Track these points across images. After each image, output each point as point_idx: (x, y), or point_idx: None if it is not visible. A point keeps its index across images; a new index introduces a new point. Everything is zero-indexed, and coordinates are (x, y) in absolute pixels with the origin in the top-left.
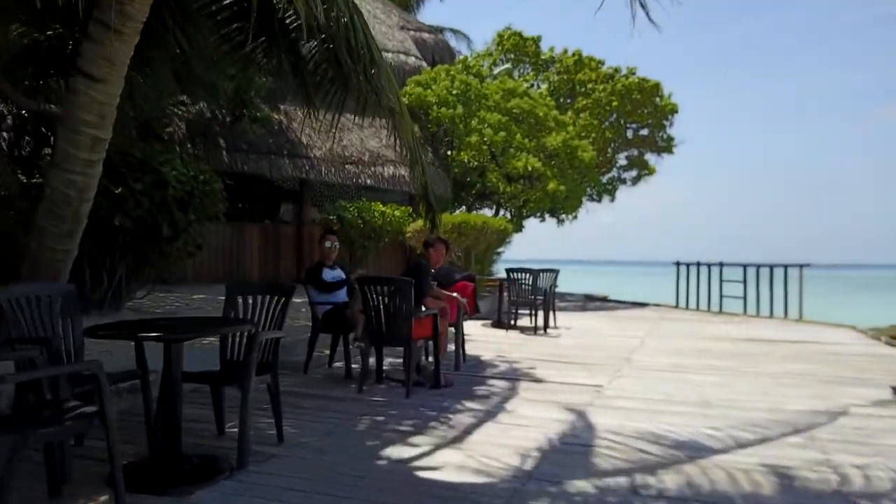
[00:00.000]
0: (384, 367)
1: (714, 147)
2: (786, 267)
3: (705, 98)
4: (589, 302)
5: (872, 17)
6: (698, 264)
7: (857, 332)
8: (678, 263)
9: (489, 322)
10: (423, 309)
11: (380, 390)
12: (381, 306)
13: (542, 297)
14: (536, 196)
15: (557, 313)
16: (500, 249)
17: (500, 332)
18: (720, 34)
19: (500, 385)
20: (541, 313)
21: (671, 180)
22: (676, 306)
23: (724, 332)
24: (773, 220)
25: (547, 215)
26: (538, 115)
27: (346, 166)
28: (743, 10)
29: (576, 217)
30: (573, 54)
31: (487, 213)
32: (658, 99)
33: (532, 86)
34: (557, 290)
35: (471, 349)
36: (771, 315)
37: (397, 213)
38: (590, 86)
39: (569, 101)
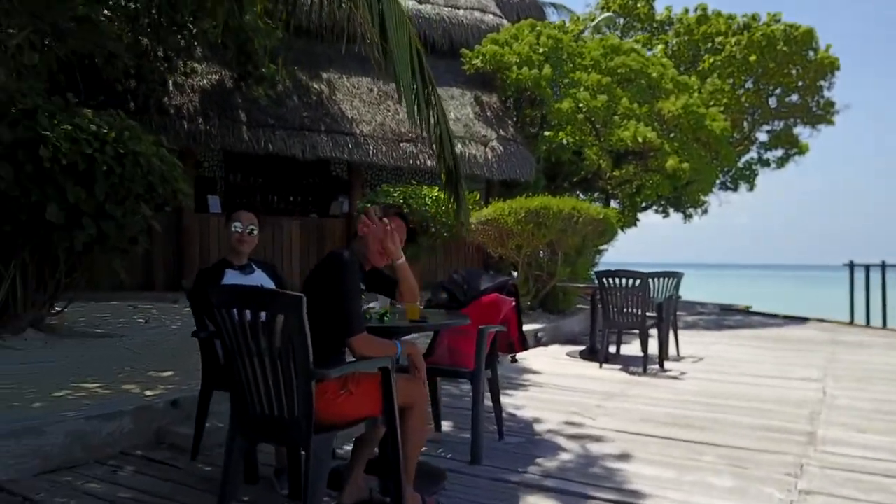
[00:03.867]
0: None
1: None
2: None
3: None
4: (726, 315)
5: None
6: (883, 265)
7: None
8: (852, 265)
9: (578, 350)
10: (347, 359)
11: None
12: (247, 358)
13: (655, 315)
14: (653, 180)
15: (683, 333)
16: (601, 247)
17: (590, 369)
18: None
19: None
20: (653, 337)
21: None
22: (851, 322)
23: None
24: None
25: (670, 208)
26: (651, 76)
27: (402, 144)
28: None
29: (706, 210)
30: (696, 9)
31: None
32: (811, 53)
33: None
34: (683, 299)
35: (528, 404)
36: None
37: None
38: (719, 40)
39: (692, 67)
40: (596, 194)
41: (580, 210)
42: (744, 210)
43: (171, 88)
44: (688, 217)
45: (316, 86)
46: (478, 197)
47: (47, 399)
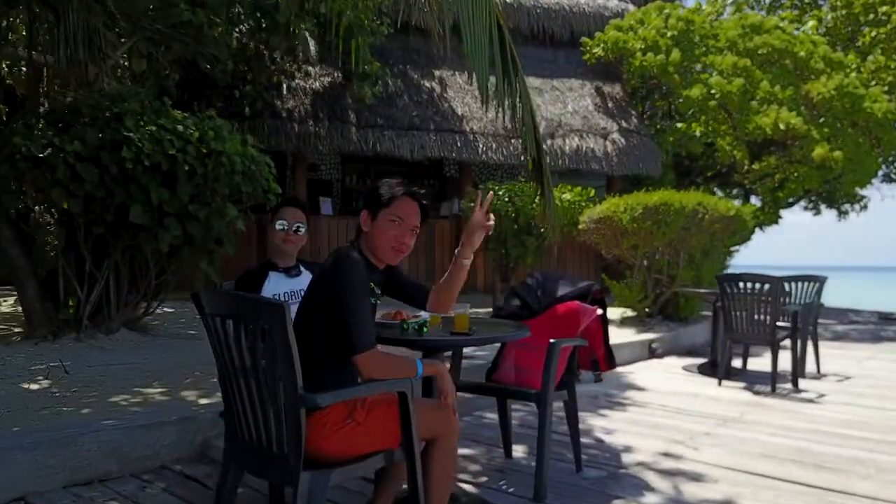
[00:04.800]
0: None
1: None
2: None
3: None
4: (886, 324)
5: None
6: None
7: None
8: None
9: (697, 364)
10: (357, 380)
11: None
12: (234, 376)
13: (788, 326)
14: (799, 172)
15: (829, 345)
16: (734, 248)
17: (707, 387)
18: None
19: None
20: (786, 351)
21: None
22: None
23: None
24: None
25: (822, 204)
26: (797, 55)
27: (513, 141)
28: None
29: (865, 206)
30: None
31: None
32: None
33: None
34: (834, 306)
35: (623, 428)
36: None
37: (566, 195)
38: (883, 10)
39: (850, 44)
40: (734, 191)
41: (706, 206)
42: None
43: (284, 92)
44: (843, 214)
45: (427, 84)
46: (592, 193)
47: (101, 405)
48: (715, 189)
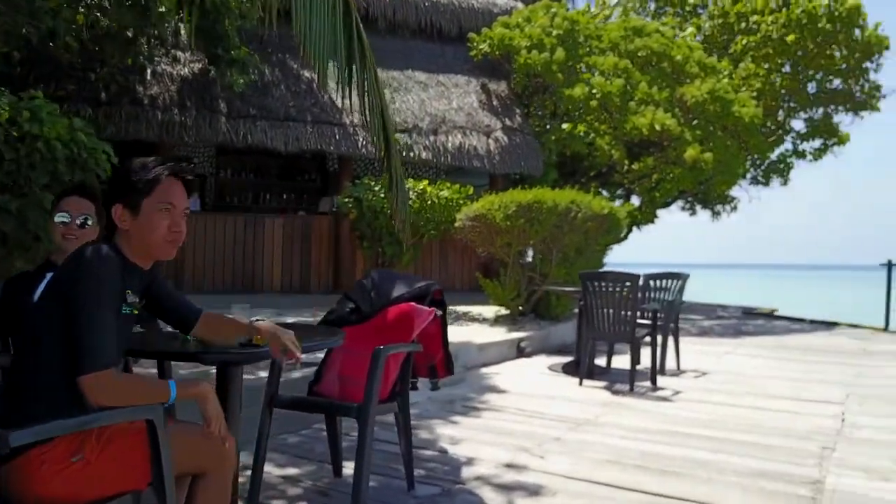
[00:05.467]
0: None
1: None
2: None
3: None
4: (748, 319)
5: None
6: None
7: None
8: (889, 265)
9: (563, 363)
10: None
11: None
12: None
13: (649, 324)
14: (674, 173)
15: (693, 341)
16: (609, 246)
17: (569, 387)
18: None
19: None
20: (647, 349)
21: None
22: (886, 328)
23: None
24: None
25: (697, 205)
26: (674, 59)
27: (395, 135)
28: None
29: (735, 207)
30: None
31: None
32: (857, 31)
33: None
34: (703, 302)
35: (471, 436)
36: None
37: (444, 192)
38: (754, 19)
39: (725, 52)
40: (618, 190)
41: (580, 204)
42: (778, 207)
43: (147, 77)
44: (716, 214)
45: (307, 74)
46: (471, 191)
47: None
48: (601, 190)
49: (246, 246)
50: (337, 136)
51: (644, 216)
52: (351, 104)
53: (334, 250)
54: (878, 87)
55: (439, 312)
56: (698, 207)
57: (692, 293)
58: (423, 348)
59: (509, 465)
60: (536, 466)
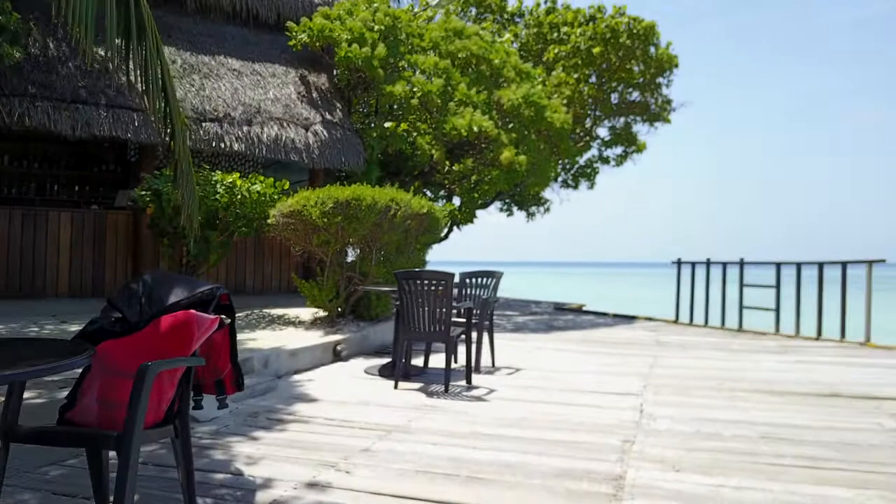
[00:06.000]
0: None
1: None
2: (844, 265)
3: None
4: (558, 315)
5: None
6: (708, 263)
7: None
8: (679, 263)
9: (380, 365)
10: None
11: None
12: None
13: (463, 323)
14: (491, 175)
15: (509, 337)
16: (430, 245)
17: (384, 391)
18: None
19: None
20: (462, 348)
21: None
22: (676, 321)
23: (770, 375)
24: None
25: (514, 206)
26: (492, 62)
27: (205, 124)
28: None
29: (548, 209)
30: (547, 0)
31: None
32: (652, 48)
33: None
34: (519, 299)
35: (272, 453)
36: (819, 335)
37: (256, 186)
38: (564, 30)
39: (539, 60)
40: (442, 191)
41: (399, 202)
42: (587, 208)
43: None
44: (531, 215)
45: (102, 52)
46: (287, 185)
47: None
48: (426, 191)
49: (24, 244)
50: (136, 123)
51: (464, 216)
52: (129, 80)
53: (133, 249)
54: (669, 101)
55: (227, 320)
56: (515, 208)
57: (511, 290)
58: (207, 362)
59: (311, 485)
60: (341, 483)
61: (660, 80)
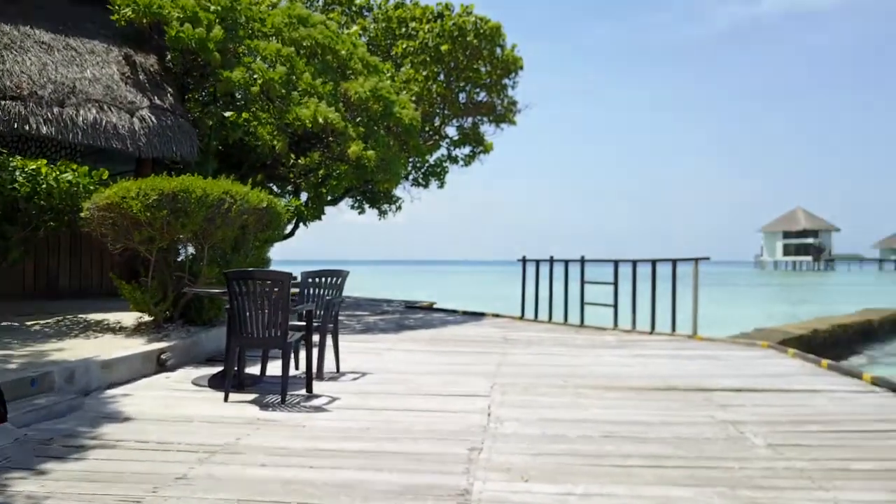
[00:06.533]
0: None
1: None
2: (674, 262)
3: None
4: (409, 313)
5: None
6: (552, 261)
7: (775, 350)
8: (524, 260)
9: (210, 375)
10: None
11: None
12: None
13: (303, 326)
14: (340, 170)
15: (358, 338)
16: (272, 243)
17: (212, 405)
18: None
19: None
20: (303, 354)
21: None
22: (522, 317)
23: (611, 370)
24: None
25: (365, 204)
26: (339, 53)
27: (4, 103)
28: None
29: (399, 207)
30: None
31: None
32: (499, 49)
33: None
34: (371, 298)
35: (62, 490)
36: (652, 329)
37: (67, 175)
38: (413, 25)
39: (388, 56)
40: (290, 186)
41: (235, 196)
42: (443, 206)
43: None
44: (383, 213)
45: None
46: (105, 175)
47: None
48: (269, 183)
49: None
50: None
51: (311, 212)
52: None
53: None
54: (514, 103)
55: None
56: (366, 206)
57: (364, 289)
58: None
59: None
60: None
61: (506, 81)
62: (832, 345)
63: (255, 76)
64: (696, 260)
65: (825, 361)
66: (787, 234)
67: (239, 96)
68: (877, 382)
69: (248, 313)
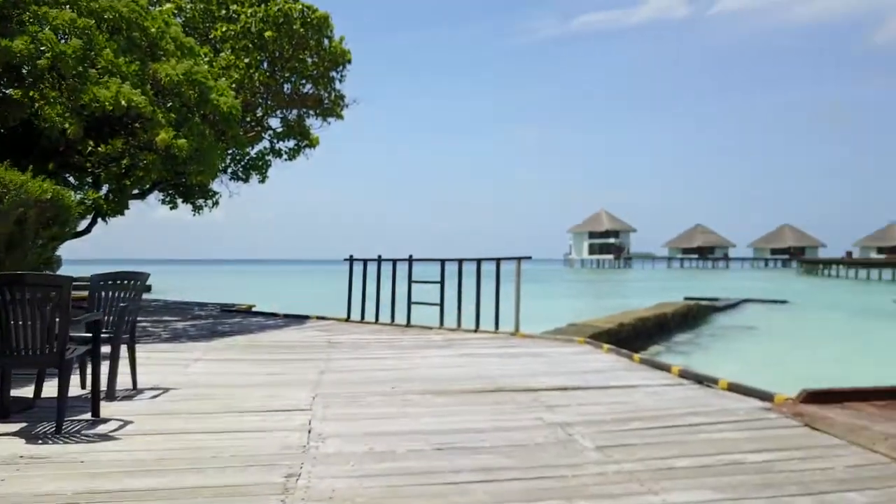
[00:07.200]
0: None
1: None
2: (498, 261)
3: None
4: (225, 317)
5: None
6: (379, 260)
7: (591, 345)
8: (351, 259)
9: None
10: None
11: None
12: None
13: (88, 339)
14: (147, 159)
15: (161, 348)
16: (59, 240)
17: None
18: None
19: None
20: (90, 375)
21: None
22: (348, 319)
23: (439, 372)
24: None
25: (178, 198)
26: (148, 31)
27: None
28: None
29: (217, 202)
30: None
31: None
32: (326, 41)
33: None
34: (183, 301)
35: None
36: (477, 327)
37: None
38: (234, 7)
39: (206, 40)
40: (88, 177)
41: (8, 185)
42: (260, 203)
43: None
44: (198, 209)
45: None
46: None
47: None
48: (69, 176)
49: None
50: None
51: (112, 206)
52: None
53: None
54: (342, 97)
55: None
56: (179, 200)
57: (177, 292)
58: None
59: None
60: None
61: (333, 73)
62: (635, 337)
63: (43, 48)
64: (519, 259)
65: (637, 356)
66: (592, 235)
67: (25, 71)
68: (683, 375)
69: (13, 326)
